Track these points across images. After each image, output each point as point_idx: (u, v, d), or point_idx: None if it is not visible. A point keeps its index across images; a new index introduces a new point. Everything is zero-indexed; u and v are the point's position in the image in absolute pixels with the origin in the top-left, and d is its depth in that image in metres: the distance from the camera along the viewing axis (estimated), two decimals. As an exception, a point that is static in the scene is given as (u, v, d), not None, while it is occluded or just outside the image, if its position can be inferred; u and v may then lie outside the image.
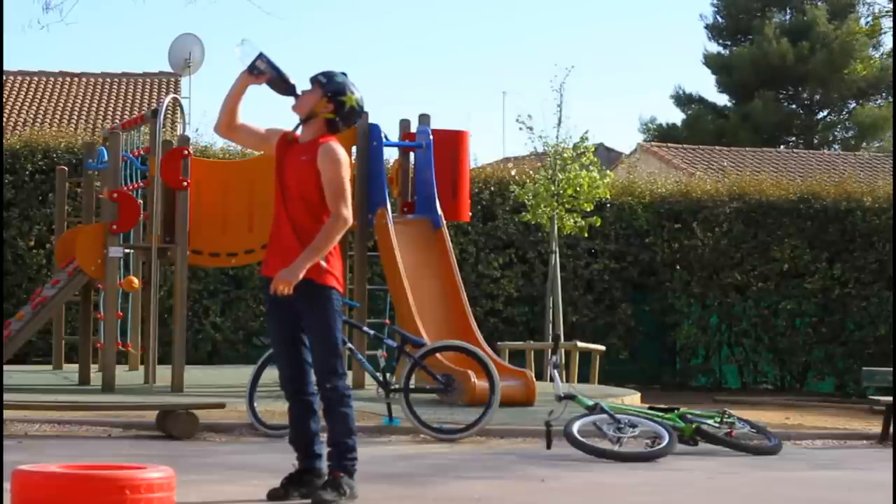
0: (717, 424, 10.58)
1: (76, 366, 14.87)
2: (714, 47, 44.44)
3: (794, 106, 44.26)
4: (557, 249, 19.30)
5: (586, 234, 19.48)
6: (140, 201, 14.47)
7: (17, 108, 29.39)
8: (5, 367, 12.81)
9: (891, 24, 28.96)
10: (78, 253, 13.89)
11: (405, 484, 7.97)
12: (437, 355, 11.95)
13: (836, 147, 43.69)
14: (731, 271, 21.57)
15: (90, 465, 5.79)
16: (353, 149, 14.06)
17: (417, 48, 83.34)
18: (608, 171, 20.03)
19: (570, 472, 8.90)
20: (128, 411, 11.16)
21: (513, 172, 21.27)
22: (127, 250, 14.99)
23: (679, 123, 43.69)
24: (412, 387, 10.83)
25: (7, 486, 5.53)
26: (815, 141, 43.51)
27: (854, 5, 41.61)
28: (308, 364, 6.94)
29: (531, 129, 19.35)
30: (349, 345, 10.83)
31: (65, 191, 16.40)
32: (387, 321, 13.93)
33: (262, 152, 10.60)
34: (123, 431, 10.76)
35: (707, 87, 65.57)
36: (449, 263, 14.17)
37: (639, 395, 15.14)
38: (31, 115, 28.72)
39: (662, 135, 39.21)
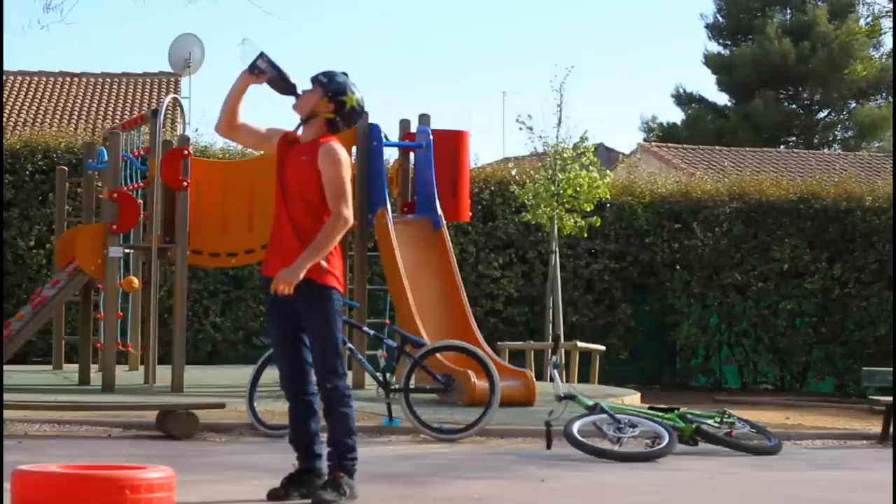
0: (717, 424, 10.57)
1: (76, 366, 14.86)
2: (714, 47, 44.51)
3: (794, 106, 44.25)
4: (557, 249, 19.30)
5: (586, 234, 19.48)
6: (140, 201, 14.47)
7: (17, 108, 29.38)
8: (5, 367, 12.80)
9: (891, 24, 29.02)
10: (78, 253, 13.88)
11: (405, 484, 7.97)
12: (437, 355, 11.95)
13: (836, 147, 43.67)
14: (731, 271, 21.56)
15: (90, 465, 5.79)
16: (354, 149, 14.06)
17: (417, 48, 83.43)
18: (608, 171, 20.02)
19: (570, 472, 8.90)
20: (128, 411, 11.16)
21: (513, 172, 21.27)
22: (127, 250, 14.99)
23: (679, 123, 43.69)
24: (412, 387, 10.83)
25: (7, 486, 5.53)
26: (815, 141, 43.50)
27: (854, 5, 41.59)
28: (308, 364, 6.94)
29: (531, 129, 19.37)
30: (349, 345, 10.82)
31: (65, 191, 16.40)
32: (387, 321, 13.92)
33: (263, 152, 10.62)
34: (123, 431, 10.75)
35: (707, 86, 65.70)
36: (449, 263, 14.17)
37: (639, 395, 15.14)
38: (31, 115, 28.71)
39: (663, 134, 39.22)
